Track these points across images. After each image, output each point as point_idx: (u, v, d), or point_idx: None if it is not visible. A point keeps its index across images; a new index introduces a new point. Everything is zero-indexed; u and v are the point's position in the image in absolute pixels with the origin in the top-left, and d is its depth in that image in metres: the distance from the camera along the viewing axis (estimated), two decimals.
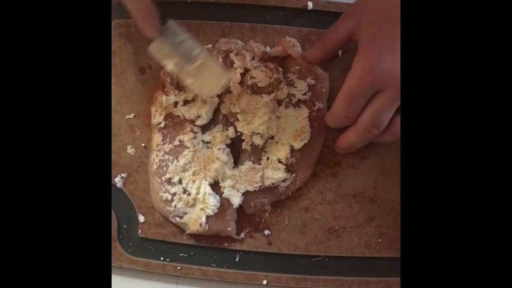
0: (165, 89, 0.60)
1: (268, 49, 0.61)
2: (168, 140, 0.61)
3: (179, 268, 0.61)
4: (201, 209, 0.59)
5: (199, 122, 0.60)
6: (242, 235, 0.61)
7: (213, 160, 0.60)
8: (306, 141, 0.60)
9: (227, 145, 0.61)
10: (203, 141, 0.61)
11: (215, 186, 0.60)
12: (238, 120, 0.59)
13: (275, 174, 0.60)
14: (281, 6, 0.63)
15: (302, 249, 0.62)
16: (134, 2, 0.53)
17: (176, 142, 0.60)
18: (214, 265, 0.62)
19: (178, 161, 0.60)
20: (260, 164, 0.60)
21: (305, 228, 0.62)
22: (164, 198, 0.60)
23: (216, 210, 0.59)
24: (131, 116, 0.63)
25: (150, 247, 0.62)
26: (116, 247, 0.62)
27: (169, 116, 0.61)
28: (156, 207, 0.61)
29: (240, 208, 0.61)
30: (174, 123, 0.61)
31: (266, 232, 0.62)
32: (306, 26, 0.63)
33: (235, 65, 0.60)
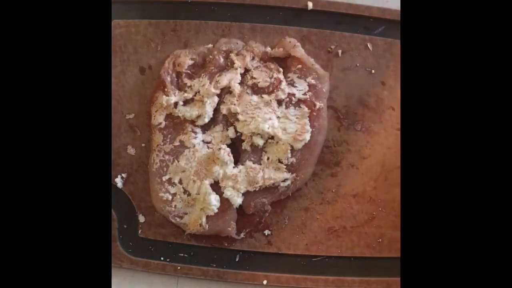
0: (165, 89, 0.60)
1: (268, 49, 0.61)
2: (168, 140, 0.61)
3: (179, 268, 0.61)
4: (201, 209, 0.59)
5: (199, 122, 0.60)
6: (242, 235, 0.61)
7: (213, 160, 0.60)
8: (306, 141, 0.60)
9: (227, 145, 0.61)
10: (203, 141, 0.61)
11: (215, 186, 0.60)
12: (238, 120, 0.59)
13: (275, 174, 0.60)
14: (281, 6, 0.63)
15: (302, 249, 0.62)
16: None
17: (177, 142, 0.60)
18: (214, 265, 0.62)
19: (178, 161, 0.60)
20: (260, 164, 0.60)
21: (305, 228, 0.62)
22: (164, 198, 0.60)
23: (216, 210, 0.59)
24: (131, 116, 0.63)
25: (150, 247, 0.62)
26: (116, 247, 0.62)
27: (169, 116, 0.61)
28: (156, 207, 0.61)
29: (240, 208, 0.61)
30: (174, 123, 0.61)
31: (266, 232, 0.62)
32: (306, 26, 0.63)
33: (235, 65, 0.60)
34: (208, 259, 0.62)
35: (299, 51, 0.61)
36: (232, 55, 0.61)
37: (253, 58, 0.61)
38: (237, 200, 0.60)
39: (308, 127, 0.60)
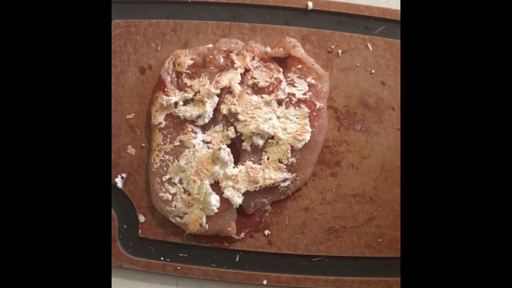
0: (165, 89, 0.60)
1: (268, 49, 0.61)
2: (168, 140, 0.61)
3: (179, 268, 0.61)
4: (201, 209, 0.60)
5: (200, 122, 0.60)
6: (242, 235, 0.61)
7: (213, 160, 0.60)
8: (306, 141, 0.60)
9: (227, 145, 0.61)
10: (203, 141, 0.61)
11: (215, 186, 0.60)
12: (238, 120, 0.60)
13: (275, 174, 0.60)
14: (281, 6, 0.63)
15: (302, 249, 0.62)
16: None
17: (177, 142, 0.60)
18: (214, 265, 0.62)
19: (178, 161, 0.60)
20: (260, 164, 0.60)
21: (305, 228, 0.62)
22: (164, 198, 0.60)
23: (216, 210, 0.59)
24: (131, 116, 0.63)
25: (150, 247, 0.62)
26: (116, 247, 0.62)
27: (169, 116, 0.61)
28: (156, 207, 0.61)
29: (240, 208, 0.61)
30: (174, 123, 0.61)
31: (266, 232, 0.62)
32: (306, 26, 0.63)
33: (235, 65, 0.60)
34: (208, 259, 0.62)
35: (299, 51, 0.61)
36: (232, 55, 0.61)
37: (253, 58, 0.61)
38: (237, 200, 0.60)
39: (308, 127, 0.60)
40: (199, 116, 0.60)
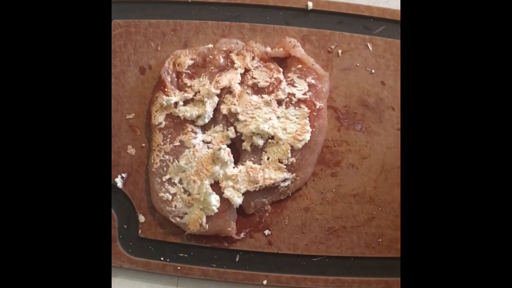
0: (165, 89, 0.60)
1: (268, 49, 0.62)
2: (168, 140, 0.61)
3: (179, 268, 0.62)
4: (201, 209, 0.60)
5: (200, 122, 0.60)
6: (242, 235, 0.62)
7: (213, 160, 0.60)
8: (306, 141, 0.60)
9: (227, 145, 0.61)
10: (203, 141, 0.61)
11: (215, 186, 0.60)
12: (238, 120, 0.60)
13: (275, 174, 0.60)
14: (281, 6, 0.63)
15: (302, 249, 0.62)
16: None
17: (177, 142, 0.60)
18: (214, 265, 0.62)
19: (178, 161, 0.60)
20: (260, 164, 0.60)
21: (305, 228, 0.62)
22: (164, 198, 0.60)
23: (216, 210, 0.59)
24: (131, 116, 0.63)
25: (150, 247, 0.62)
26: (116, 247, 0.62)
27: (169, 116, 0.61)
28: (156, 207, 0.61)
29: (240, 208, 0.61)
30: (174, 123, 0.61)
31: (266, 232, 0.62)
32: (306, 26, 0.63)
33: (235, 65, 0.60)
34: (208, 259, 0.62)
35: (299, 51, 0.61)
36: (232, 55, 0.61)
37: (253, 58, 0.61)
38: (237, 200, 0.60)
39: (308, 127, 0.60)
40: (199, 116, 0.60)
